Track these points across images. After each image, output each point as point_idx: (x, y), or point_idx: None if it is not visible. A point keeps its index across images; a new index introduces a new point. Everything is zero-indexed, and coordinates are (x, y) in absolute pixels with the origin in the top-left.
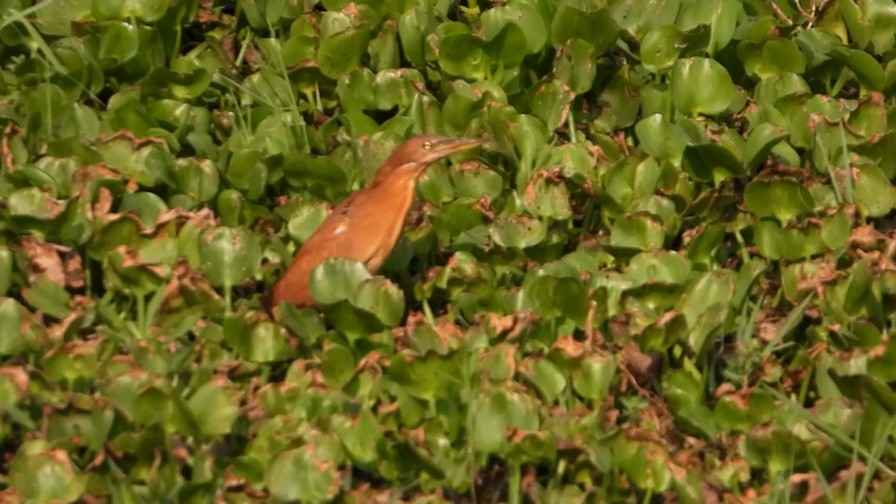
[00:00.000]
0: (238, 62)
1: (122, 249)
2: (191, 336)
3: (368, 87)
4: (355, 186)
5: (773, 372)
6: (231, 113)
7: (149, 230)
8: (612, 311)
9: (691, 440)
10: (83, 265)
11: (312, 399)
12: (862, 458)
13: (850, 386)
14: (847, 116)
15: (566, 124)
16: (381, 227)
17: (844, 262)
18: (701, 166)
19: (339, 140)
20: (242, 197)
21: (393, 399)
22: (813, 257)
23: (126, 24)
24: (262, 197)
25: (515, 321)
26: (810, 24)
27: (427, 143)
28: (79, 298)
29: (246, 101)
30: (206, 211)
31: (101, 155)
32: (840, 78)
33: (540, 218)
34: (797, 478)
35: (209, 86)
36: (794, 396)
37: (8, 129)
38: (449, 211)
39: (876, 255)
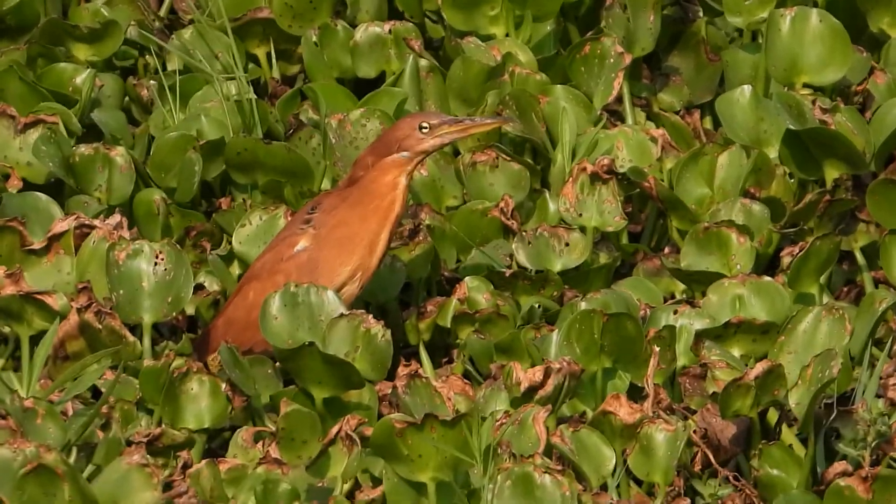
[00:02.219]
0: (163, 12)
1: None
2: (95, 393)
3: (344, 47)
4: (325, 184)
5: None
6: (153, 82)
7: (38, 244)
8: (682, 360)
9: None
10: None
11: (264, 481)
12: None
13: None
14: None
15: (619, 99)
16: (358, 242)
17: None
18: (806, 158)
19: (302, 120)
20: (168, 199)
21: (377, 482)
22: None
23: None
24: (195, 199)
25: (547, 374)
26: None
27: (425, 123)
28: None
29: (173, 65)
30: (117, 218)
31: None
32: None
33: (582, 229)
34: None
35: (122, 44)
36: None
37: None
38: (456, 219)
39: None
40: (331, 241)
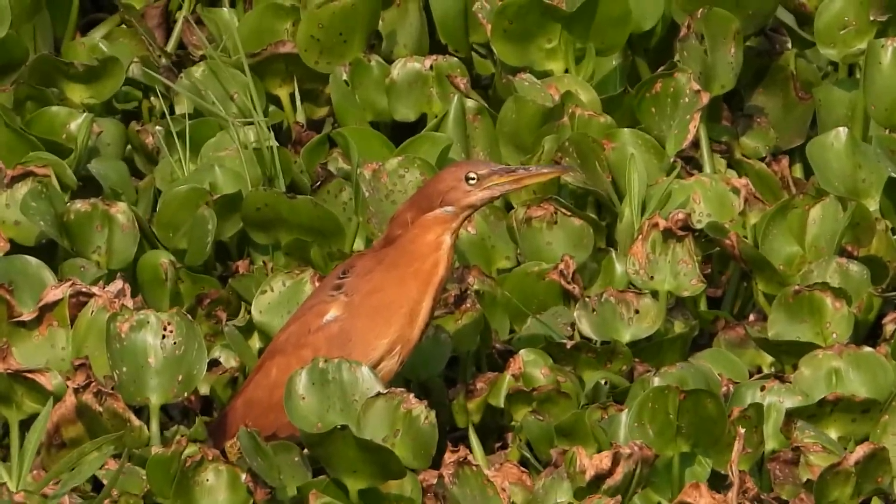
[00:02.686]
0: (170, 47)
1: None
2: (96, 485)
3: (379, 86)
4: (358, 244)
5: None
6: (159, 128)
7: (28, 315)
8: (770, 444)
9: None
10: None
11: None
12: None
13: None
14: None
15: (695, 144)
16: (397, 310)
17: None
18: None
19: (331, 170)
20: (177, 262)
21: None
22: None
23: None
24: (208, 262)
25: (616, 460)
26: None
27: (472, 174)
28: None
29: (182, 108)
30: (118, 284)
31: None
32: None
33: (654, 294)
34: None
35: (123, 84)
36: None
37: None
38: (509, 283)
39: None
40: (365, 309)
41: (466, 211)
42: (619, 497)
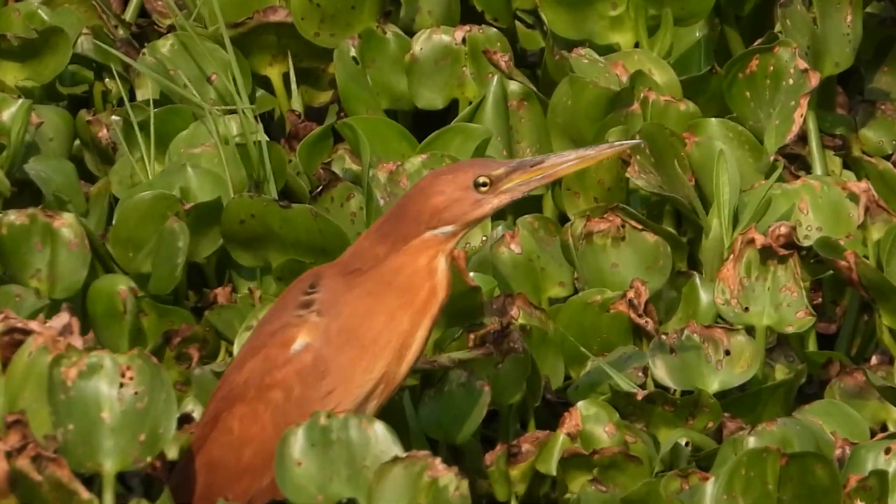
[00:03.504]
0: (129, 15)
1: None
2: None
3: (397, 64)
4: None
5: None
6: (116, 118)
7: None
8: None
9: None
10: None
11: None
12: None
13: None
14: None
15: (802, 137)
16: (385, 344)
17: None
18: None
19: (335, 172)
20: (139, 290)
21: None
22: None
23: None
24: (179, 289)
25: None
26: None
27: (483, 177)
28: None
29: (146, 92)
30: (64, 318)
31: None
32: None
33: (749, 330)
34: None
35: (70, 62)
36: None
37: None
38: (563, 316)
39: None
40: (346, 335)
41: (472, 226)
42: None
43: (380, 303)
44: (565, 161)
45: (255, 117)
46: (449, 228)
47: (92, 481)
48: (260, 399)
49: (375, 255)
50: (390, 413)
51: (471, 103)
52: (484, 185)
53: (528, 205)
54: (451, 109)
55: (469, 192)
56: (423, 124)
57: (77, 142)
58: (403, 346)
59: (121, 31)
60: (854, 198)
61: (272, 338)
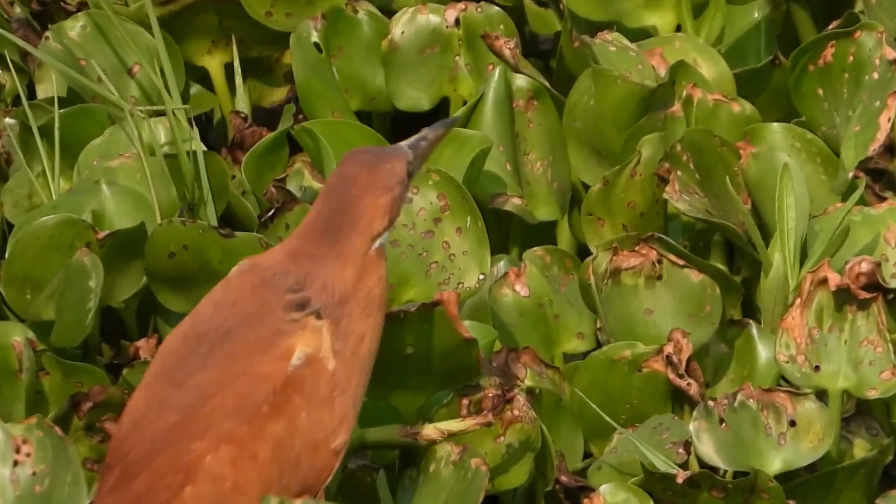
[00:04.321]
0: None
1: None
2: None
3: (370, 53)
4: None
5: None
6: (10, 120)
7: None
8: None
9: None
10: None
11: None
12: None
13: None
14: None
15: (889, 148)
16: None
17: None
18: None
19: (291, 191)
20: (38, 341)
21: None
22: None
23: None
24: (90, 341)
25: None
26: None
27: (410, 165)
28: None
29: (48, 88)
30: None
31: None
32: None
33: (821, 395)
34: None
35: None
36: None
37: None
38: (584, 376)
39: None
40: (355, 345)
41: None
42: None
43: (376, 316)
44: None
45: (189, 120)
46: (385, 237)
47: None
48: (260, 435)
49: (352, 244)
50: (360, 500)
51: (465, 103)
52: (410, 175)
53: (537, 233)
54: (441, 111)
55: (404, 186)
56: (404, 130)
57: None
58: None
59: (17, 9)
60: None
61: (260, 352)
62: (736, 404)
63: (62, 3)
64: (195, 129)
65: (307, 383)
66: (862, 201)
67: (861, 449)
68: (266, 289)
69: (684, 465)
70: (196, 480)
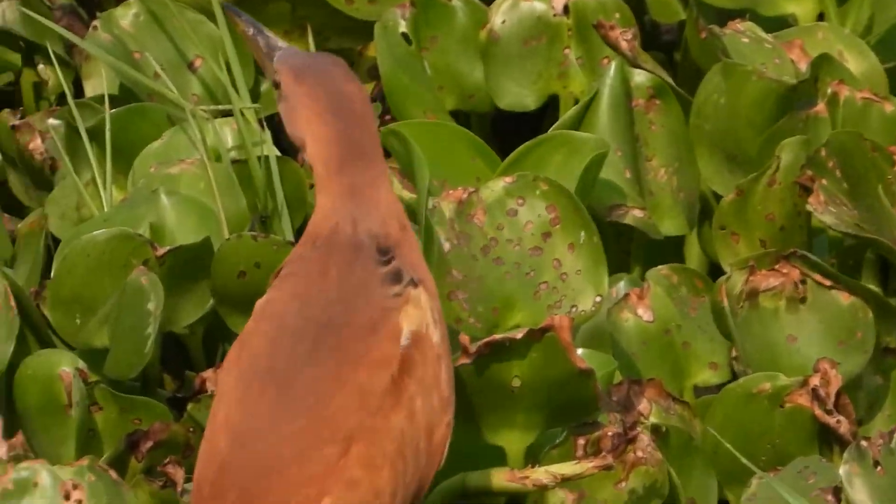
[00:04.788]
0: None
1: None
2: None
3: (466, 45)
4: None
5: None
6: (54, 121)
7: None
8: None
9: None
10: None
11: None
12: None
13: None
14: None
15: None
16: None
17: None
18: None
19: None
20: (90, 372)
21: None
22: None
23: None
24: (150, 372)
25: None
26: None
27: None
28: None
29: (96, 85)
30: None
31: None
32: None
33: None
34: None
35: None
36: None
37: None
38: (717, 412)
39: None
40: (441, 320)
41: None
42: None
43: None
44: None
45: (260, 121)
46: None
47: None
48: (386, 429)
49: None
50: None
51: (577, 102)
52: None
53: (661, 250)
54: (549, 111)
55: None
56: (506, 132)
57: None
58: None
59: None
60: None
61: (371, 337)
62: (893, 444)
63: None
64: (267, 130)
65: (417, 364)
66: None
67: None
68: (354, 265)
69: None
70: (333, 490)
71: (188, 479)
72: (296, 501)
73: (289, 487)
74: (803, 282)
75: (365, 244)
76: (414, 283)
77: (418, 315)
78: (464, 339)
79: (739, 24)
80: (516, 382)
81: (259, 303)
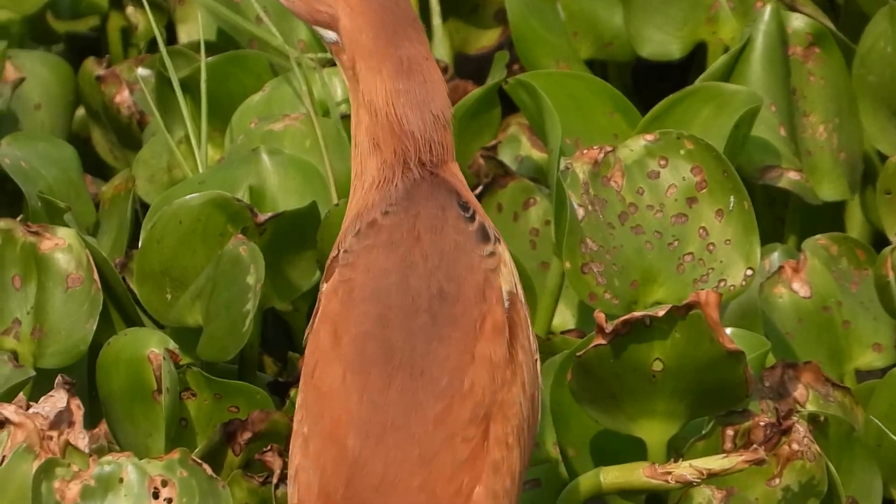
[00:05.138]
0: None
1: None
2: None
3: None
4: (564, 318)
5: None
6: (143, 71)
7: None
8: None
9: None
10: None
11: None
12: None
13: None
14: None
15: None
16: None
17: None
18: None
19: (504, 162)
20: (181, 354)
21: None
22: None
23: None
24: (247, 355)
25: None
26: None
27: None
28: None
29: (191, 30)
30: (60, 398)
31: None
32: None
33: None
34: None
35: None
36: None
37: None
38: (880, 400)
39: None
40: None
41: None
42: None
43: None
44: None
45: None
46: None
47: None
48: (512, 402)
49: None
50: None
51: (727, 50)
52: None
53: (820, 217)
54: (695, 60)
55: None
56: (648, 84)
57: (80, 111)
58: None
59: None
60: None
61: (484, 305)
62: None
63: None
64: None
65: (519, 329)
66: None
67: None
68: (444, 226)
69: None
70: (482, 477)
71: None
72: (447, 493)
73: (438, 479)
74: None
75: (445, 196)
76: (497, 239)
77: (508, 274)
78: (599, 316)
79: None
80: (657, 366)
81: (333, 283)
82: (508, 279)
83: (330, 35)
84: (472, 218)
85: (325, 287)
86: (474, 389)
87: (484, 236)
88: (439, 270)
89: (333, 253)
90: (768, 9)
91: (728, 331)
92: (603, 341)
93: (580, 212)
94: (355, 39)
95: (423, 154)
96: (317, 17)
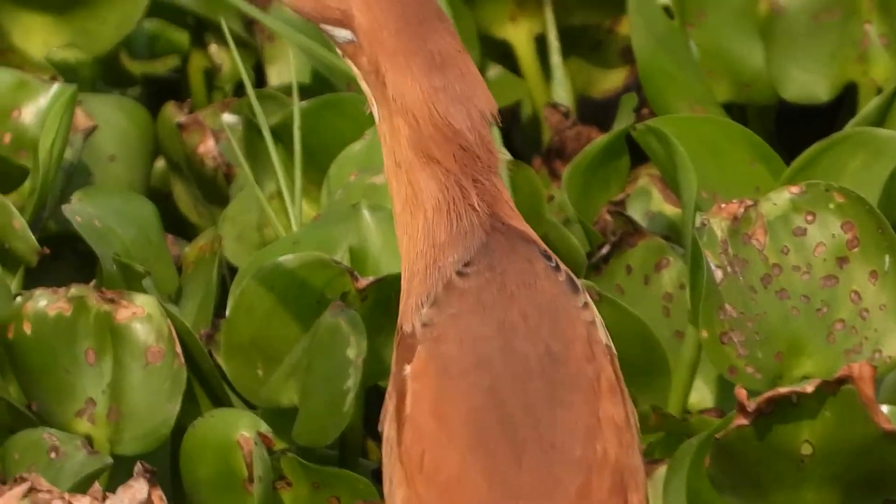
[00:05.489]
0: None
1: None
2: None
3: (744, 20)
4: (702, 393)
5: None
6: (230, 117)
7: None
8: None
9: None
10: None
11: None
12: None
13: None
14: None
15: None
16: None
17: None
18: None
19: (632, 218)
20: (275, 439)
21: None
22: None
23: None
24: (349, 435)
25: None
26: None
27: None
28: None
29: (283, 71)
30: (139, 490)
31: None
32: None
33: None
34: None
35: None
36: None
37: None
38: None
39: None
40: None
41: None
42: None
43: None
44: None
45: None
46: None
47: None
48: (637, 468)
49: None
50: None
51: (880, 91)
52: None
53: None
54: (845, 103)
55: None
56: (792, 130)
57: (160, 163)
58: None
59: None
60: None
61: (592, 358)
62: None
63: None
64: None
65: (621, 383)
66: None
67: None
68: (534, 279)
69: None
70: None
71: None
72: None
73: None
74: None
75: (524, 246)
76: (583, 288)
77: (601, 325)
78: (740, 393)
79: None
80: (806, 449)
81: (420, 362)
82: (603, 332)
83: (342, 34)
84: (558, 267)
85: (407, 370)
86: (608, 457)
87: (574, 287)
88: (542, 329)
89: (403, 329)
90: None
91: (884, 408)
92: (745, 421)
93: (718, 274)
94: (376, 37)
95: (482, 159)
96: (326, 14)
